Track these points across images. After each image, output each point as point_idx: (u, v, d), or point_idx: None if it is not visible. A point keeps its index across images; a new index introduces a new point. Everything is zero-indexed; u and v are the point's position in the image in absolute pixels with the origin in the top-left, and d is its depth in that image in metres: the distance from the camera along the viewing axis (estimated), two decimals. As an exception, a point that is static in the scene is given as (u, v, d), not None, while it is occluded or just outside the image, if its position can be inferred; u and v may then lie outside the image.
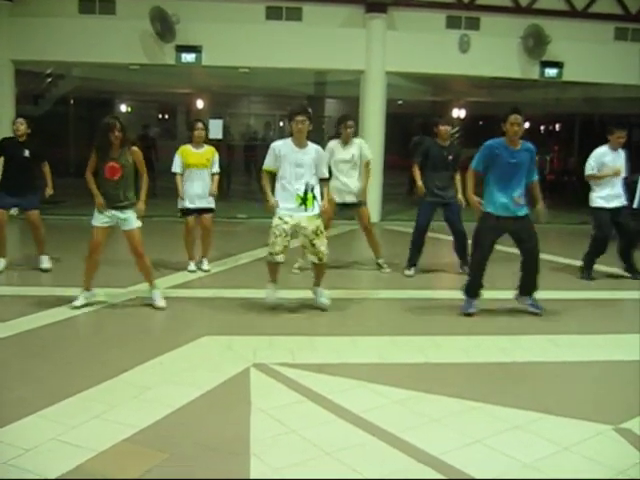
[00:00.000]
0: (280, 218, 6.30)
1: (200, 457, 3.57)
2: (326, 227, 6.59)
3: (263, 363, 4.97)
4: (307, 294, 6.85)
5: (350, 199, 8.14)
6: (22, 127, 7.78)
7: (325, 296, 6.59)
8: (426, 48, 12.98)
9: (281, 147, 6.36)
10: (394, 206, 14.61)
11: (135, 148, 6.42)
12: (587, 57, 13.26)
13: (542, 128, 24.41)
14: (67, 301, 6.43)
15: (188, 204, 7.93)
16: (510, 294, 6.78)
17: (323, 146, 7.94)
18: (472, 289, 6.55)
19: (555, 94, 17.01)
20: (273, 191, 6.40)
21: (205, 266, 8.15)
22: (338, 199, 8.04)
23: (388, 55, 12.95)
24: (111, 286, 7.01)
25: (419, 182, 8.12)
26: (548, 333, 6.01)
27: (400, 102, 19.38)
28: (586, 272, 8.26)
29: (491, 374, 4.99)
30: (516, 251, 6.63)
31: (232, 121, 21.89)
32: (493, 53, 13.16)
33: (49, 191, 7.95)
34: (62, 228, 10.64)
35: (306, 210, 6.31)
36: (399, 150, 16.76)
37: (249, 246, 9.06)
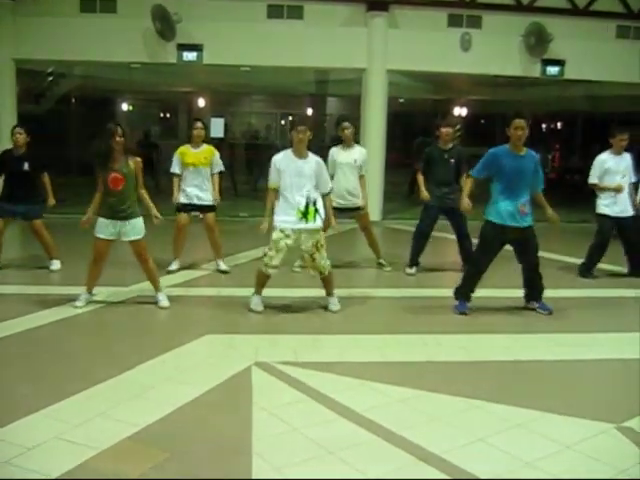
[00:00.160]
0: (282, 231, 6.26)
1: (202, 456, 3.58)
2: (325, 229, 6.56)
3: (265, 362, 4.98)
4: (308, 293, 6.84)
5: (350, 203, 8.08)
6: (21, 137, 7.72)
7: (334, 304, 6.55)
8: (428, 46, 12.95)
9: (281, 160, 6.32)
10: (395, 205, 14.60)
11: (137, 158, 6.40)
12: (589, 55, 13.24)
13: (544, 126, 24.40)
14: (70, 300, 6.44)
15: (182, 199, 7.90)
16: (512, 292, 6.79)
17: (325, 147, 7.96)
18: (462, 293, 6.58)
19: (557, 92, 16.98)
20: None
21: (222, 267, 8.09)
22: (338, 203, 7.94)
23: (389, 53, 12.93)
24: (114, 285, 7.01)
25: (423, 191, 8.06)
26: (550, 332, 6.01)
27: (402, 100, 19.37)
28: (587, 271, 8.26)
29: (493, 373, 4.99)
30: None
31: (233, 120, 21.88)
32: (495, 51, 13.14)
33: (51, 201, 7.93)
34: (64, 227, 10.64)
35: (307, 223, 6.25)
36: (400, 148, 16.76)
37: (250, 245, 9.05)
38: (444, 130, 8.06)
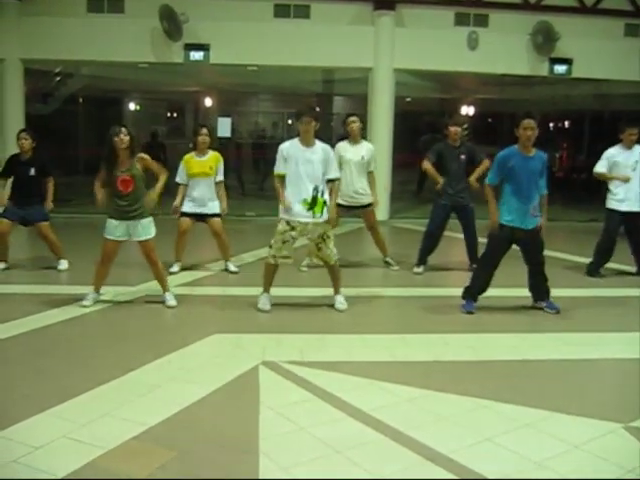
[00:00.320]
0: (288, 223, 6.23)
1: (209, 455, 3.58)
2: (333, 226, 6.53)
3: (272, 361, 4.97)
4: (315, 292, 6.84)
5: (356, 202, 8.06)
6: (27, 143, 7.74)
7: (341, 302, 6.53)
8: (435, 45, 12.93)
9: (288, 148, 6.26)
10: (403, 204, 14.59)
11: (142, 155, 6.34)
12: (597, 54, 13.17)
13: (551, 125, 24.33)
14: (77, 299, 6.46)
15: (184, 207, 7.84)
16: (519, 291, 6.77)
17: (332, 144, 7.91)
18: (471, 294, 6.56)
19: (564, 91, 16.92)
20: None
21: (232, 268, 8.06)
22: (345, 201, 7.92)
23: (396, 52, 12.91)
24: (121, 284, 7.02)
25: (438, 177, 7.88)
26: (557, 331, 5.99)
27: (408, 99, 19.34)
28: (595, 270, 8.23)
29: (501, 372, 4.98)
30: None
31: (240, 119, 21.90)
32: (502, 50, 13.09)
33: (49, 205, 7.91)
34: (71, 227, 10.69)
35: (314, 217, 6.22)
36: (408, 148, 16.73)
37: (257, 244, 9.05)
38: (453, 129, 7.98)
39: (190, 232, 7.95)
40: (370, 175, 8.10)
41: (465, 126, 8.40)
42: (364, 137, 8.43)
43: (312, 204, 6.19)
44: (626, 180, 7.93)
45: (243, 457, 3.56)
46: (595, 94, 17.11)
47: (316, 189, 6.19)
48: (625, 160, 7.98)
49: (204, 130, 7.94)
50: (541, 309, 6.60)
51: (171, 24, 12.33)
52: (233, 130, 16.52)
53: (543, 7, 13.20)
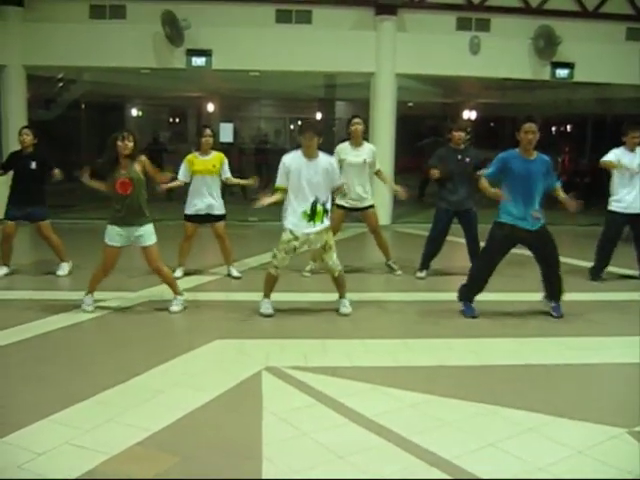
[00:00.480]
0: (291, 232, 6.26)
1: (212, 460, 3.57)
2: (335, 232, 6.54)
3: (275, 366, 4.97)
4: (319, 297, 6.83)
5: (359, 204, 8.07)
6: (28, 138, 7.80)
7: (345, 306, 6.55)
8: (436, 50, 12.95)
9: (291, 161, 6.25)
10: (405, 209, 14.56)
11: (142, 157, 6.31)
12: (598, 58, 13.17)
13: (553, 129, 24.32)
14: (79, 305, 6.45)
15: (187, 210, 7.87)
16: (522, 296, 6.76)
17: (334, 148, 7.90)
18: (466, 294, 6.55)
19: (566, 95, 16.93)
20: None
21: (234, 273, 8.07)
22: (347, 203, 7.96)
23: (398, 57, 12.94)
24: (122, 290, 7.03)
25: (435, 173, 7.80)
26: (560, 335, 5.98)
27: (410, 104, 19.35)
28: (597, 274, 8.22)
29: (504, 377, 4.97)
30: (527, 252, 6.60)
31: (243, 124, 21.91)
32: (504, 54, 13.11)
33: (57, 173, 7.78)
34: (74, 232, 10.69)
35: (314, 226, 6.24)
36: (410, 152, 16.72)
37: (260, 249, 9.06)
38: (456, 134, 7.96)
39: (194, 236, 7.96)
40: (379, 173, 8.16)
41: (469, 130, 8.39)
42: (365, 139, 8.42)
43: (311, 215, 6.23)
44: (632, 172, 7.92)
45: (246, 462, 3.56)
46: (597, 98, 17.09)
47: (315, 200, 6.22)
48: (630, 162, 7.99)
49: (208, 131, 7.96)
50: (545, 313, 6.57)
51: (173, 30, 12.36)
52: (235, 135, 16.53)
53: (544, 11, 13.22)
